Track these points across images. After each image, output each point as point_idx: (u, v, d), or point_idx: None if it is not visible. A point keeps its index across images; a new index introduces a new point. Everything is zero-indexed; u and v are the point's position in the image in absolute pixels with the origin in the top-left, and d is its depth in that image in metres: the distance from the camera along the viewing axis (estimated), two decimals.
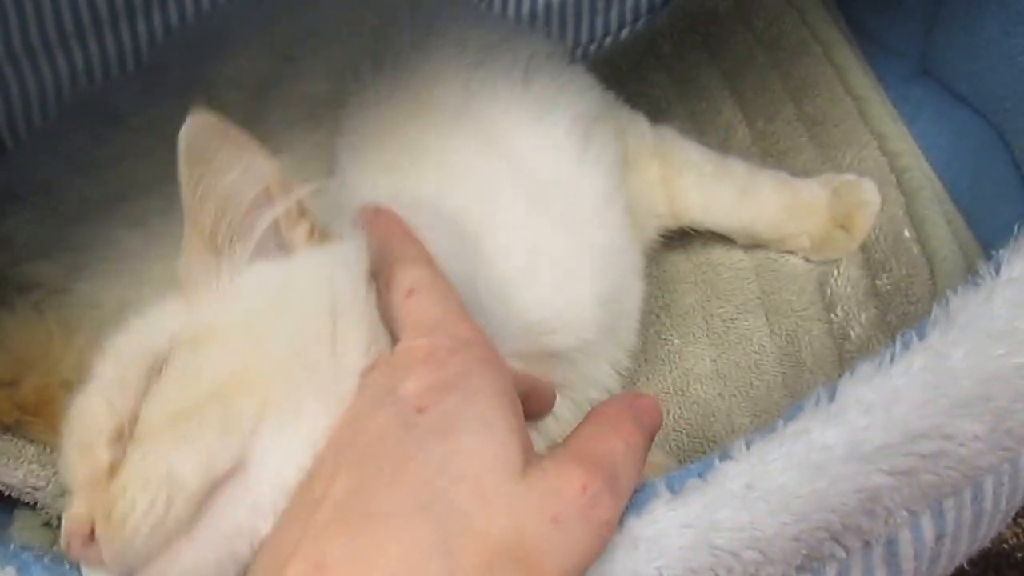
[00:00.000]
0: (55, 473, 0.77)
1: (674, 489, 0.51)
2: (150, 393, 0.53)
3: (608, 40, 1.31)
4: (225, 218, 0.58)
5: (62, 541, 0.52)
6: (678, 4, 1.27)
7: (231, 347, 0.55)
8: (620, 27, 1.32)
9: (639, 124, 0.93)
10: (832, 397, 0.52)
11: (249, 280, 0.58)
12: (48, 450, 0.78)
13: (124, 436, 0.52)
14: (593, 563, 0.47)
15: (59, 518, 0.76)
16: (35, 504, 0.76)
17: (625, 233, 0.81)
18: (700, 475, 0.51)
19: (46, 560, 0.52)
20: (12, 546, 0.53)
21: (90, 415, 0.55)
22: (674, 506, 0.50)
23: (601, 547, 0.47)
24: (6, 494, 0.75)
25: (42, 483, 0.75)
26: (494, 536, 0.44)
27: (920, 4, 0.97)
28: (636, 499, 0.51)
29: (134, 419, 0.53)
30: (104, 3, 1.08)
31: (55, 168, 0.92)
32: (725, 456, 0.52)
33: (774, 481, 0.50)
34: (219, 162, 0.56)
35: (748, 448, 0.51)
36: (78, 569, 0.53)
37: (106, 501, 0.50)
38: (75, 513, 0.51)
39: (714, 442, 0.84)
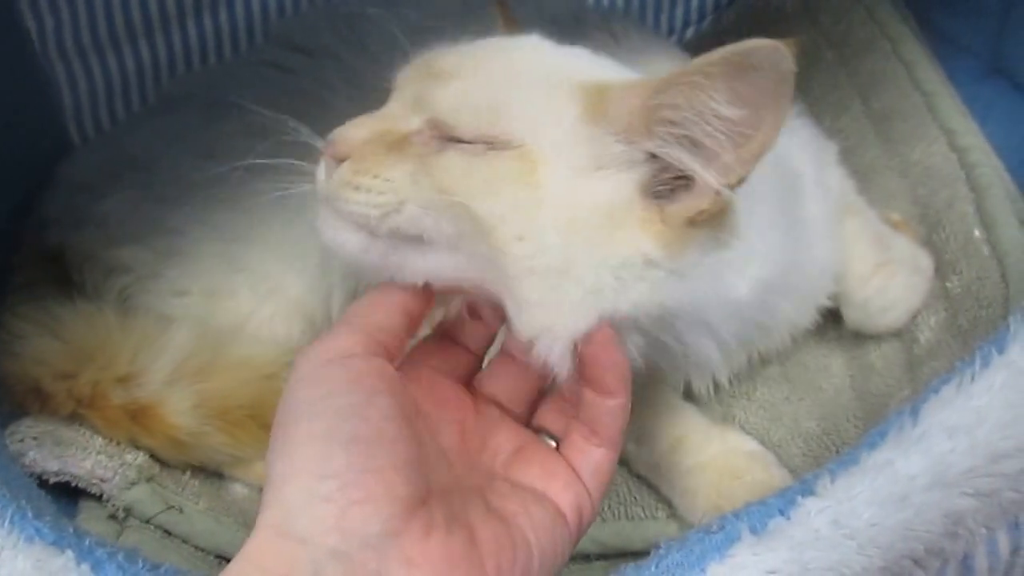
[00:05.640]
0: (122, 465, 0.78)
1: (756, 530, 0.50)
2: None
3: (673, 39, 1.30)
4: None
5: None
6: (745, 1, 1.26)
7: None
8: (685, 26, 1.32)
9: None
10: (915, 422, 0.51)
11: None
12: (114, 442, 0.79)
13: None
14: None
15: (125, 510, 0.77)
16: (101, 495, 0.77)
17: None
18: (782, 512, 0.50)
19: (119, 558, 0.52)
20: (87, 542, 0.53)
21: None
22: (758, 550, 0.49)
23: None
24: (72, 485, 0.76)
25: (109, 474, 0.76)
26: None
27: (993, 1, 0.95)
28: (716, 542, 0.50)
29: None
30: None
31: (158, 148, 0.92)
32: (808, 491, 0.51)
33: (860, 517, 0.49)
34: None
35: (833, 482, 0.51)
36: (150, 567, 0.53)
37: None
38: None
39: (779, 447, 0.82)
